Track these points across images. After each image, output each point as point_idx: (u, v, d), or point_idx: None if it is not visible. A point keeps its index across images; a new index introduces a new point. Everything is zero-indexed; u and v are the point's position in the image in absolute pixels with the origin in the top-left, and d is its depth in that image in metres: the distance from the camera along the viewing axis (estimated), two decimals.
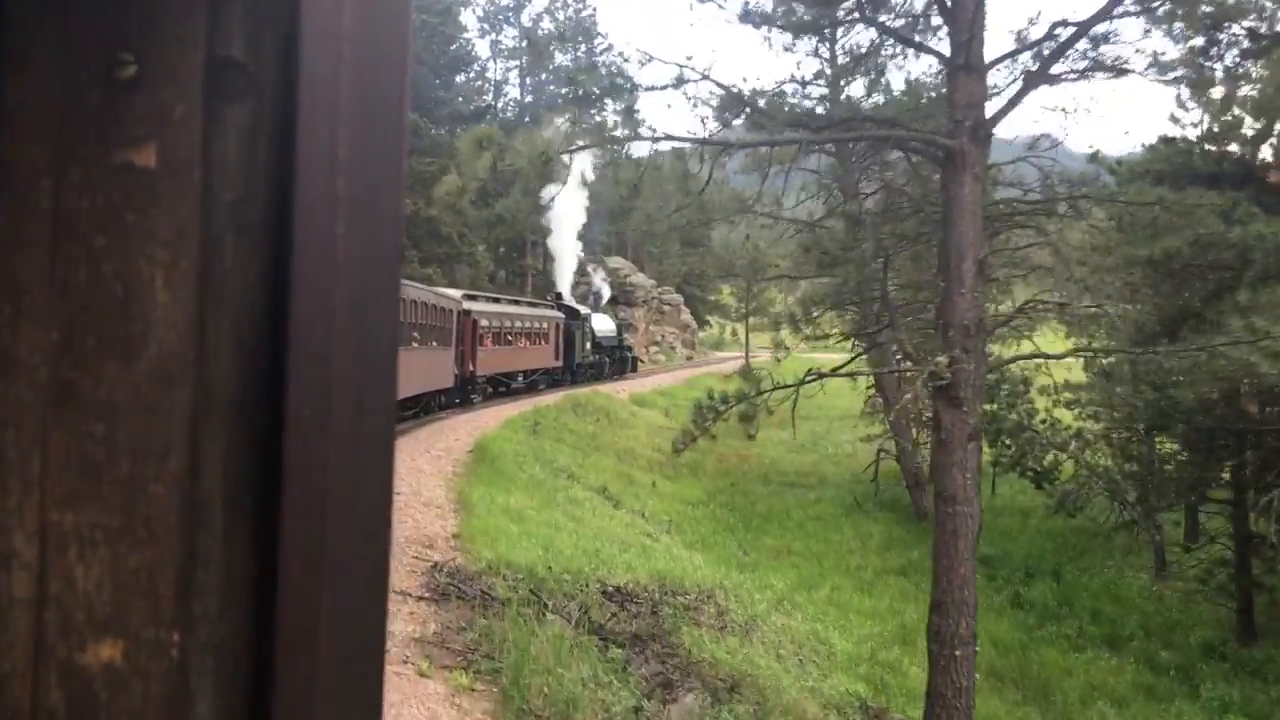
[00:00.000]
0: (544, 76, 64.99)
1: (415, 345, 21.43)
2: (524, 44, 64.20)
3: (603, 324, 46.99)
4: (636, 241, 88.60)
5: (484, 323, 28.98)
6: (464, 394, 27.87)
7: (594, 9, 68.51)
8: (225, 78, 0.69)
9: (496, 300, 34.11)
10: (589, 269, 65.78)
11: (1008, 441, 24.71)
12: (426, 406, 23.99)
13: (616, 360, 48.10)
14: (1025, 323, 21.38)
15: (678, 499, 23.45)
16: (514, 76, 65.41)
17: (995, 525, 22.72)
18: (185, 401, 0.68)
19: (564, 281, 49.44)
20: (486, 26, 66.02)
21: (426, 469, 15.72)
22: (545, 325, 36.71)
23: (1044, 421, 22.09)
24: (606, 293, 62.15)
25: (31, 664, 0.66)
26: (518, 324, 33.24)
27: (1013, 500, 26.51)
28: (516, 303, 36.95)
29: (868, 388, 29.02)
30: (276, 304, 0.70)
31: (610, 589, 10.72)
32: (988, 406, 22.42)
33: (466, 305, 27.62)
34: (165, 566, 0.67)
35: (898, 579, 20.16)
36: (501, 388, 31.78)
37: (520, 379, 34.29)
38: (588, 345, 43.21)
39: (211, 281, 0.69)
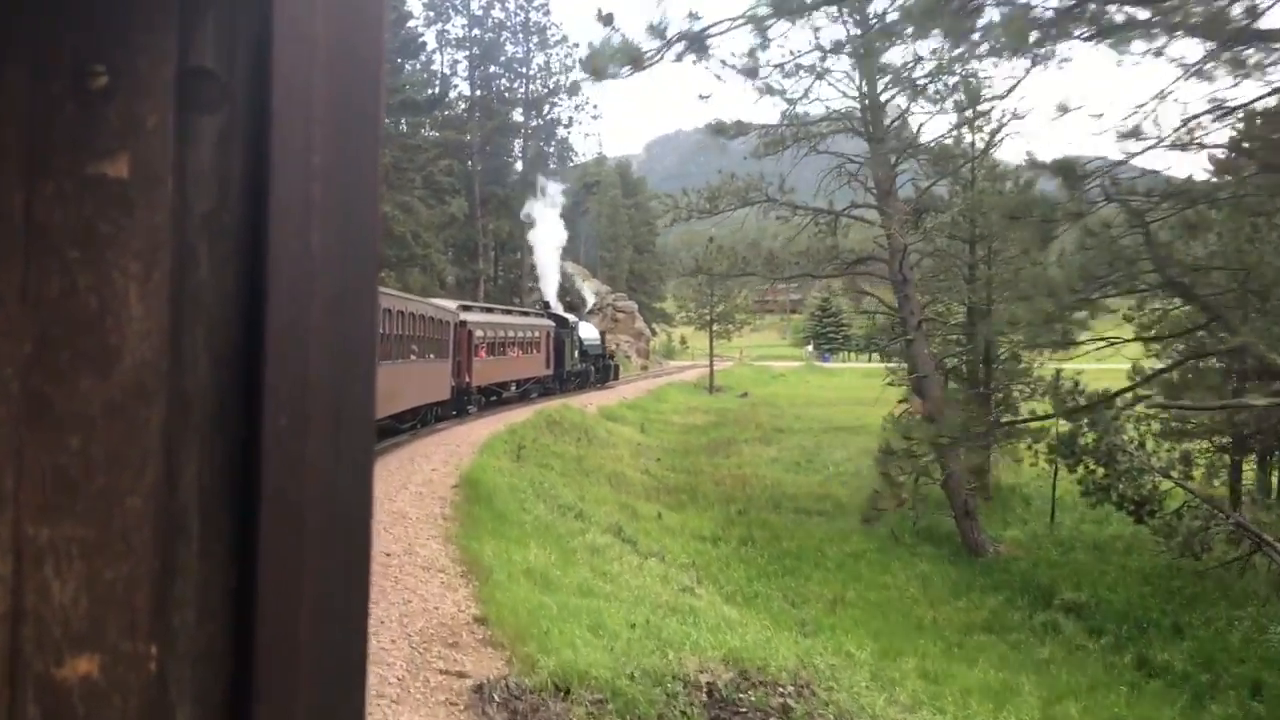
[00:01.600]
0: (492, 69, 63.26)
1: (414, 358, 21.38)
2: (474, 33, 62.40)
3: (588, 332, 47.09)
4: (587, 246, 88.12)
5: (479, 333, 29.07)
6: (461, 405, 27.83)
7: None
8: (198, 87, 0.69)
9: (490, 310, 34.37)
10: (576, 278, 65.88)
11: (1092, 465, 21.37)
12: (424, 418, 23.89)
13: (601, 368, 48.30)
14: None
15: (690, 534, 21.79)
16: (462, 69, 63.56)
17: (1068, 563, 21.13)
18: (160, 414, 0.67)
19: (549, 289, 49.73)
20: (433, 14, 63.40)
21: (412, 513, 13.72)
22: (537, 334, 36.95)
23: (1132, 439, 20.60)
24: (591, 301, 62.69)
25: (8, 679, 0.65)
26: (511, 333, 33.45)
27: (1079, 531, 23.44)
28: (509, 312, 37.32)
29: (900, 401, 27.53)
30: (252, 314, 0.70)
31: (704, 690, 8.43)
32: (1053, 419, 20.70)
33: (463, 316, 27.70)
34: (142, 579, 0.67)
35: (988, 639, 17.06)
36: (493, 397, 31.85)
37: (513, 388, 34.45)
38: (575, 354, 43.47)
39: (186, 292, 0.68)
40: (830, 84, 24.47)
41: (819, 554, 21.39)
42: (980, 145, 25.15)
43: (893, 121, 24.71)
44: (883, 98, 24.09)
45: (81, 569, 0.66)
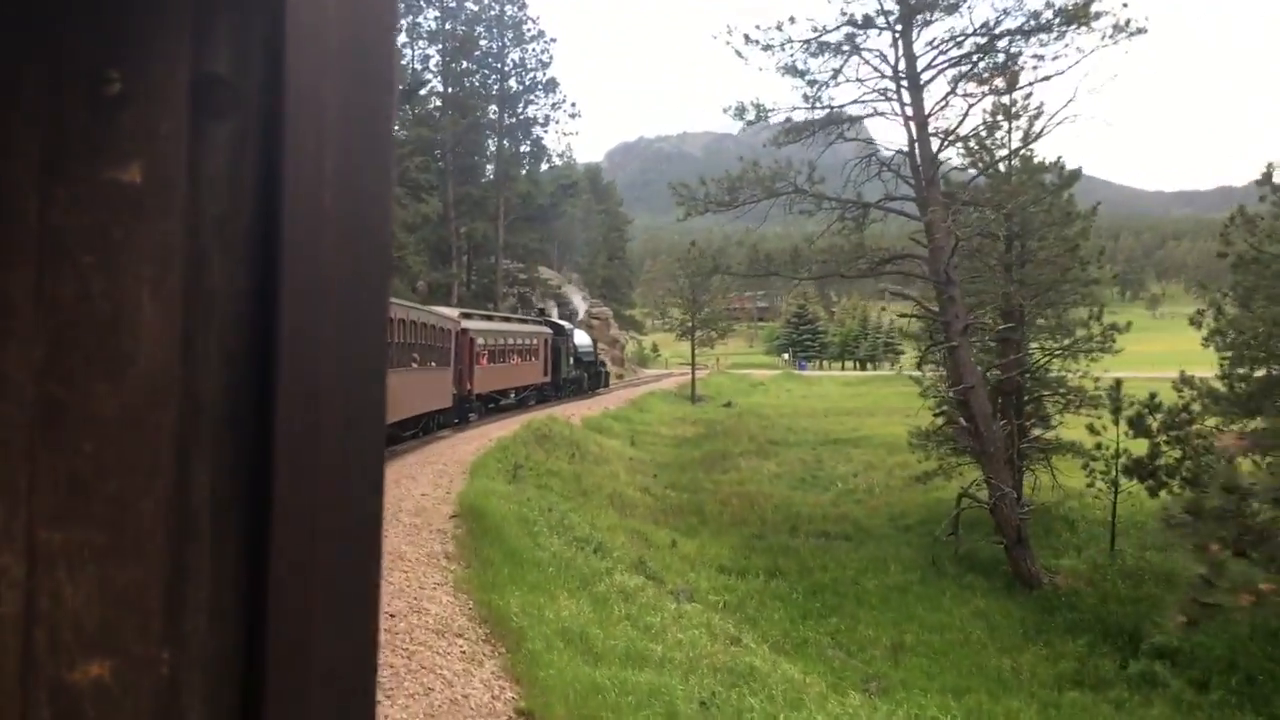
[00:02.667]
0: (465, 65, 60.52)
1: (415, 366, 21.24)
2: (446, 26, 60.08)
3: (582, 339, 47.46)
4: (561, 251, 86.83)
5: (480, 341, 29.11)
6: (462, 413, 27.80)
7: None
8: (211, 94, 0.70)
9: (490, 318, 34.46)
10: (568, 286, 65.32)
11: (1176, 486, 19.30)
12: (426, 426, 23.78)
13: (593, 375, 48.54)
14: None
15: (710, 564, 20.10)
16: (434, 64, 61.44)
17: (1142, 598, 18.98)
18: (173, 417, 0.68)
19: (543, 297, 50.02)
20: (404, 6, 60.42)
21: (410, 552, 11.88)
22: (535, 341, 37.09)
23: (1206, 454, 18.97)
24: (582, 309, 62.42)
25: (20, 682, 0.65)
26: (511, 341, 33.52)
27: (1144, 560, 21.00)
28: (508, 319, 37.35)
29: (936, 412, 25.44)
30: (264, 318, 0.70)
31: None
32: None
33: (465, 324, 27.70)
34: (154, 583, 0.67)
35: (1084, 696, 15.39)
36: (492, 404, 31.79)
37: (512, 395, 34.50)
38: (570, 360, 43.71)
39: (199, 297, 0.69)
40: (865, 60, 22.74)
41: (857, 587, 19.74)
42: (1021, 132, 23.67)
43: (937, 104, 22.91)
44: (923, 78, 22.55)
45: (94, 573, 0.66)
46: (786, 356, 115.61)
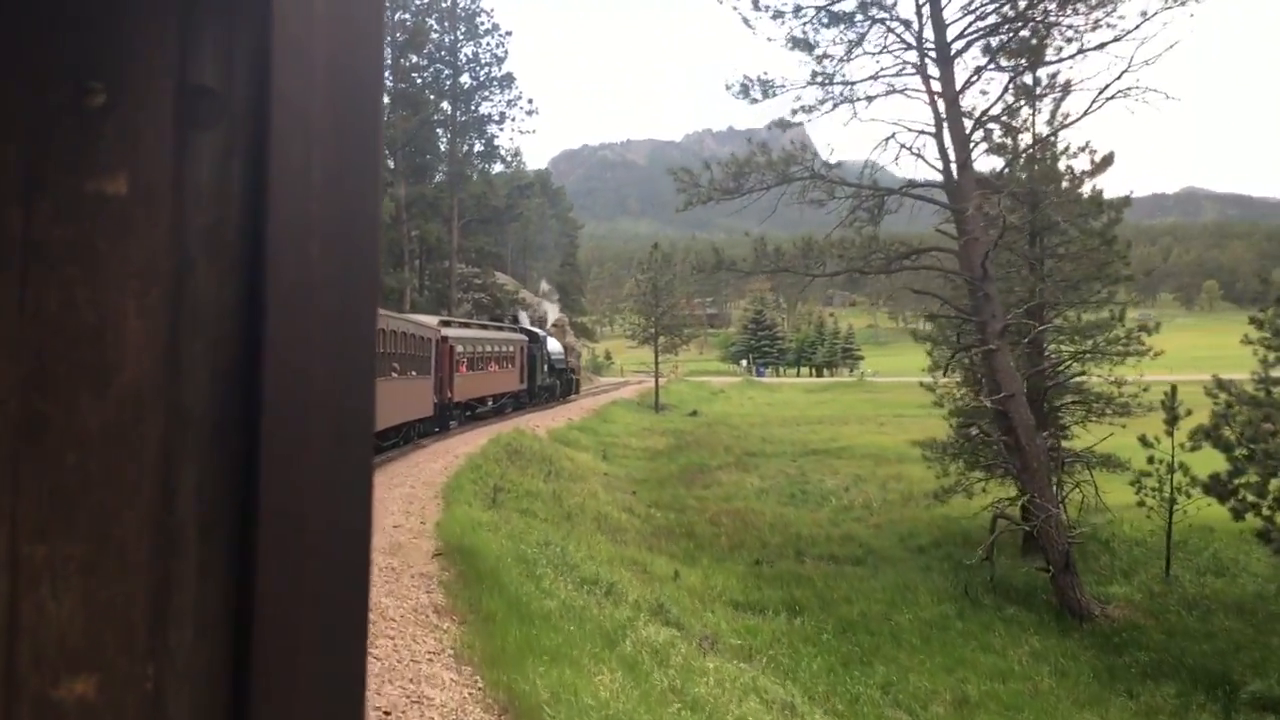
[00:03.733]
0: (414, 59, 57.41)
1: (395, 376, 21.39)
2: (396, 16, 56.59)
3: (555, 346, 47.54)
4: (516, 255, 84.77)
5: (460, 349, 29.44)
6: (443, 422, 28.06)
7: None
8: (197, 104, 0.69)
9: (468, 325, 34.92)
10: (540, 293, 63.60)
11: (1244, 493, 17.32)
12: (406, 435, 23.96)
13: (565, 382, 48.88)
14: None
15: (721, 599, 18.22)
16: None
17: (1217, 632, 16.92)
18: (159, 430, 0.67)
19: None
20: None
21: (393, 608, 10.01)
22: (511, 349, 37.41)
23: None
24: (553, 316, 62.07)
25: (4, 698, 0.65)
26: (489, 348, 33.98)
27: (1205, 586, 18.95)
28: (485, 326, 37.94)
29: (964, 423, 23.26)
30: (251, 330, 0.70)
31: None
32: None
33: (444, 332, 27.98)
34: (139, 597, 0.67)
35: None
36: (469, 412, 32.00)
37: (490, 403, 34.81)
38: (545, 367, 43.98)
39: (185, 308, 0.68)
40: (889, 28, 20.21)
41: (891, 624, 17.60)
42: (1048, 114, 21.39)
43: (970, 78, 20.30)
44: (953, 49, 19.96)
45: (78, 587, 0.66)
46: (744, 363, 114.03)
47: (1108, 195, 21.99)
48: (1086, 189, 21.44)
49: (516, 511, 18.22)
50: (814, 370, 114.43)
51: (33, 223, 0.65)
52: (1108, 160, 21.36)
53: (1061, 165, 21.97)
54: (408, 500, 16.79)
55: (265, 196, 0.69)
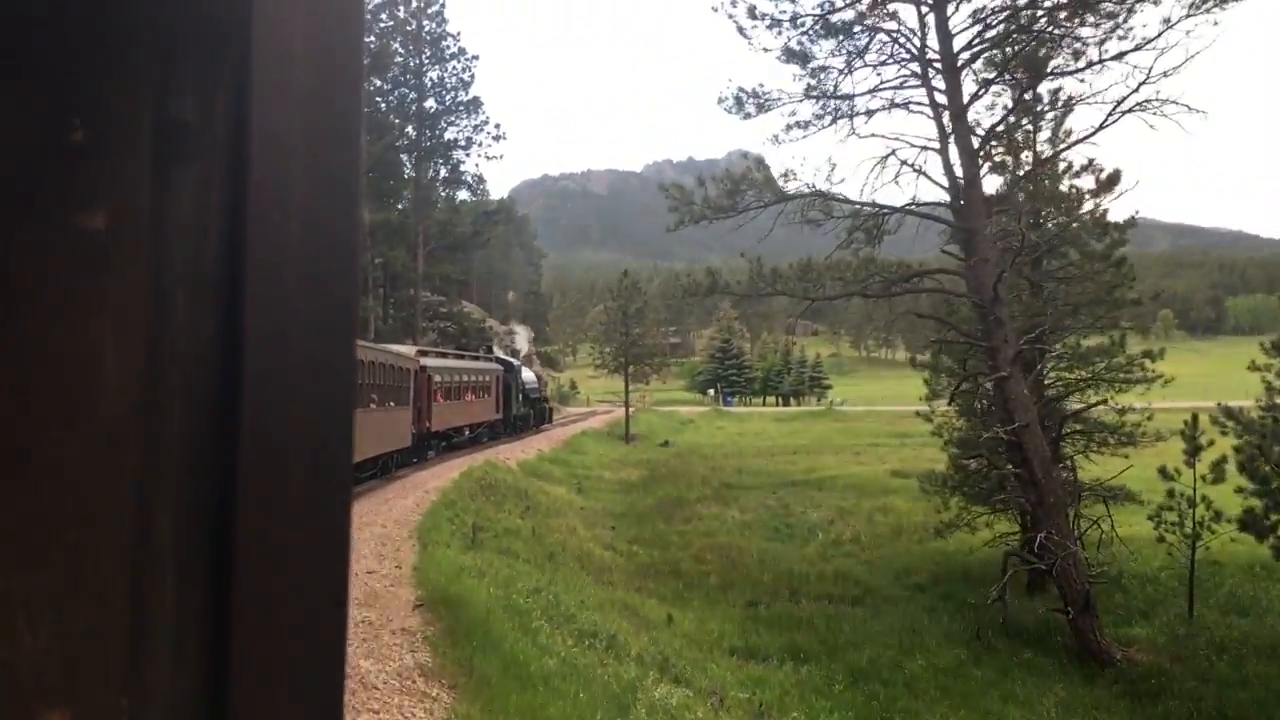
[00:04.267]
0: (378, 83, 56.30)
1: (373, 407, 21.27)
2: None
3: (529, 375, 47.85)
4: (480, 284, 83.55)
5: (438, 378, 29.32)
6: (421, 452, 28.04)
7: (441, 2, 59.12)
8: (176, 139, 0.69)
9: (445, 355, 34.77)
10: (512, 324, 62.75)
11: None
12: (385, 466, 23.89)
13: (539, 412, 48.92)
14: None
15: (718, 646, 17.02)
16: None
17: (1248, 679, 15.73)
18: (135, 464, 0.67)
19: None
20: None
21: (373, 672, 8.90)
22: (488, 378, 37.33)
23: None
24: (525, 347, 62.28)
25: None
26: (466, 378, 33.89)
27: (1233, 627, 17.83)
28: (461, 356, 37.69)
29: (951, 448, 22.26)
30: (230, 363, 0.69)
31: None
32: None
33: (423, 362, 27.96)
34: (115, 630, 0.66)
35: None
36: (444, 442, 31.85)
37: (467, 432, 34.80)
38: (520, 397, 44.09)
39: (163, 343, 0.68)
40: (891, 37, 19.12)
41: (904, 673, 16.32)
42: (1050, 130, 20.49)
43: (979, 89, 19.10)
44: (960, 59, 18.83)
45: (54, 620, 0.64)
46: (711, 392, 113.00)
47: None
48: (1089, 208, 20.55)
49: (497, 552, 17.16)
50: (781, 399, 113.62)
51: (10, 257, 0.64)
52: (1114, 179, 20.38)
53: (1064, 185, 21.02)
54: (380, 541, 15.73)
55: (243, 231, 0.69)
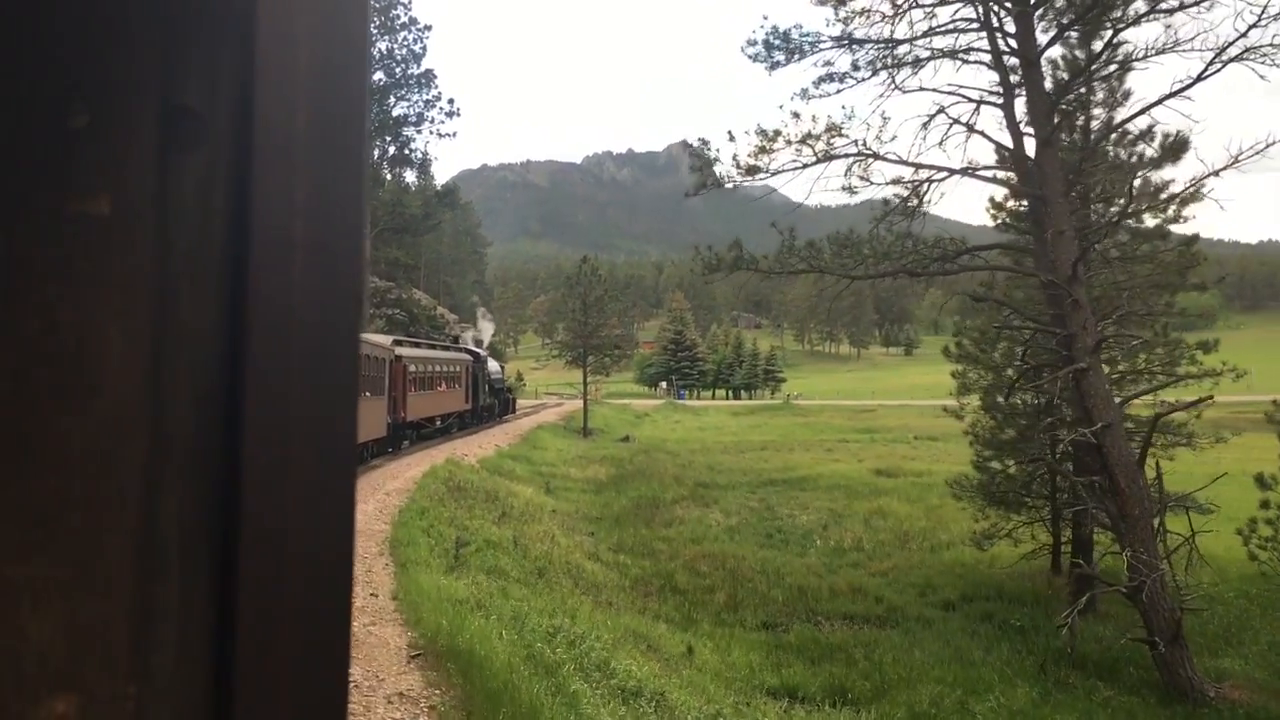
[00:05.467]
0: None
1: None
2: None
3: (494, 366, 47.90)
4: (429, 271, 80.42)
5: (413, 368, 29.31)
6: (396, 441, 28.10)
7: None
8: (180, 125, 0.68)
9: (418, 345, 34.23)
10: (478, 314, 59.83)
11: None
12: (360, 457, 23.32)
13: (503, 402, 49.12)
14: None
15: (750, 682, 14.74)
16: None
17: None
18: (140, 450, 0.66)
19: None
20: None
21: None
22: (458, 368, 37.39)
23: None
24: (488, 337, 60.71)
25: None
26: (438, 368, 33.76)
27: None
28: (434, 346, 37.03)
29: (1029, 459, 19.14)
30: (234, 350, 0.69)
31: None
32: None
33: (398, 351, 27.78)
34: (121, 618, 0.65)
35: None
36: (415, 432, 31.72)
37: (438, 422, 34.82)
38: (486, 387, 44.13)
39: (167, 329, 0.68)
40: None
41: (969, 715, 13.78)
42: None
43: (1052, 39, 16.42)
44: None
45: (59, 608, 0.64)
46: (664, 385, 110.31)
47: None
48: (1156, 179, 18.16)
49: (484, 571, 15.13)
50: (732, 392, 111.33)
51: (14, 242, 0.64)
52: (1182, 144, 17.85)
53: (1123, 154, 18.53)
54: (373, 557, 13.81)
55: (248, 217, 0.68)
